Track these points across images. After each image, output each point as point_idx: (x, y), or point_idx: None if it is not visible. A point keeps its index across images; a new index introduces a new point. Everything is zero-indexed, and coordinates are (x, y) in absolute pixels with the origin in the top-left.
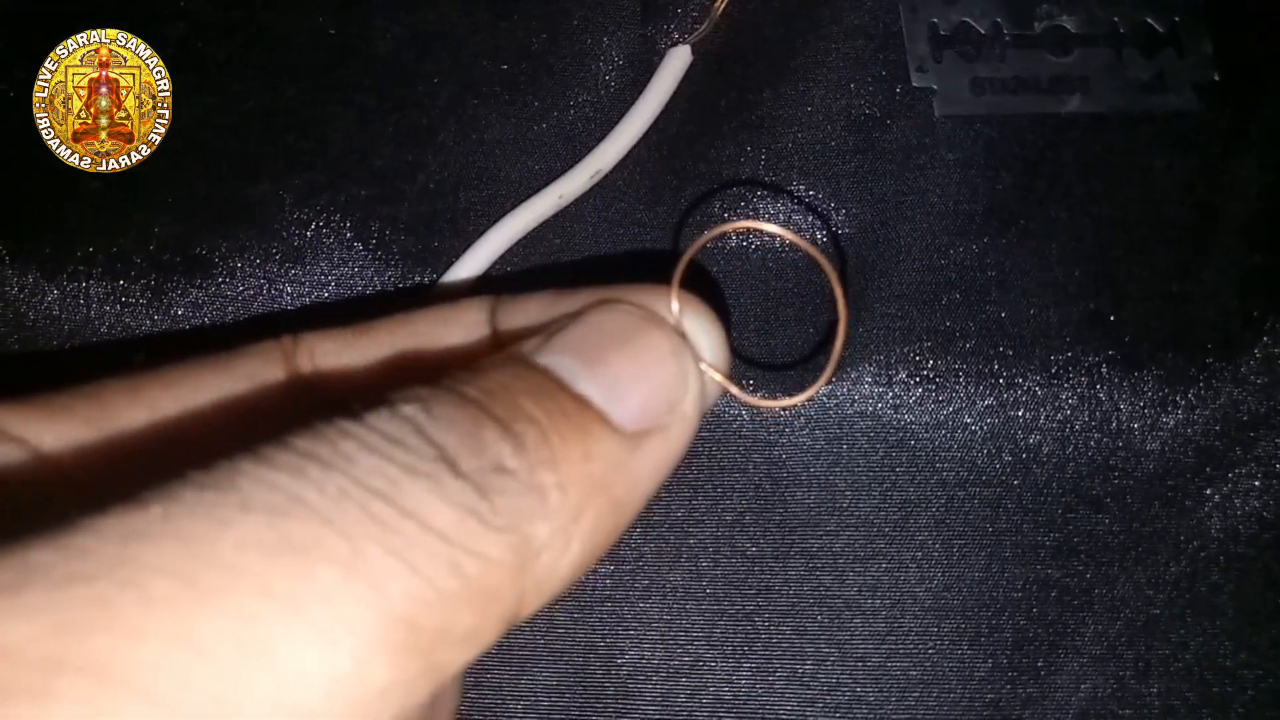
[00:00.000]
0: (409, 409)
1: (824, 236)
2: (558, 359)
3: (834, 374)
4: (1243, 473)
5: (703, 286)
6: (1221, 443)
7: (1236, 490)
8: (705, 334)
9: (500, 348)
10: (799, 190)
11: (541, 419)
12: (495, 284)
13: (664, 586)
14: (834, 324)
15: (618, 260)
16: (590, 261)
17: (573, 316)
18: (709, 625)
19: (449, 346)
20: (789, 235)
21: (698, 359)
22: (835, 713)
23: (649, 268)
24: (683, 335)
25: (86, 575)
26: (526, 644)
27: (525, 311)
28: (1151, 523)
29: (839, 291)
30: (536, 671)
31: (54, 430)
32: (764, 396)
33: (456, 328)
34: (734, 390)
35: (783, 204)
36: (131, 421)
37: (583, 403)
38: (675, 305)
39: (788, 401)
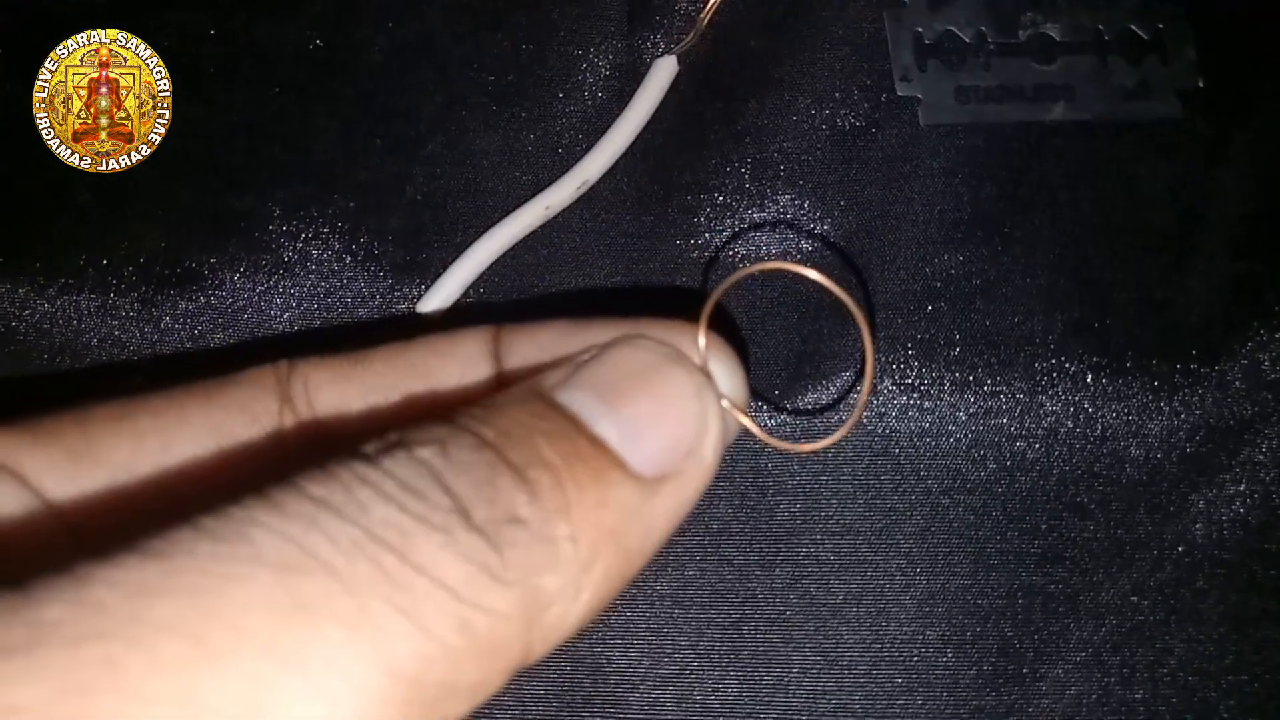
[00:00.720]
0: (425, 452)
1: (809, 245)
2: (577, 395)
3: (858, 423)
4: (1227, 478)
5: (720, 323)
6: (1206, 449)
7: (1221, 496)
8: (727, 373)
9: (503, 380)
10: (784, 200)
11: (557, 464)
12: (488, 308)
13: (650, 595)
14: (860, 370)
15: (604, 271)
16: (577, 273)
17: (595, 351)
18: (695, 633)
19: (449, 378)
20: (824, 280)
21: (720, 398)
22: None
23: (636, 279)
24: (707, 375)
25: (97, 633)
26: None
27: (536, 342)
28: (1136, 529)
29: (868, 341)
30: (522, 680)
31: (38, 456)
32: (785, 440)
33: (455, 359)
34: (757, 432)
35: (768, 214)
36: (118, 450)
37: (600, 446)
38: (702, 342)
39: (809, 446)
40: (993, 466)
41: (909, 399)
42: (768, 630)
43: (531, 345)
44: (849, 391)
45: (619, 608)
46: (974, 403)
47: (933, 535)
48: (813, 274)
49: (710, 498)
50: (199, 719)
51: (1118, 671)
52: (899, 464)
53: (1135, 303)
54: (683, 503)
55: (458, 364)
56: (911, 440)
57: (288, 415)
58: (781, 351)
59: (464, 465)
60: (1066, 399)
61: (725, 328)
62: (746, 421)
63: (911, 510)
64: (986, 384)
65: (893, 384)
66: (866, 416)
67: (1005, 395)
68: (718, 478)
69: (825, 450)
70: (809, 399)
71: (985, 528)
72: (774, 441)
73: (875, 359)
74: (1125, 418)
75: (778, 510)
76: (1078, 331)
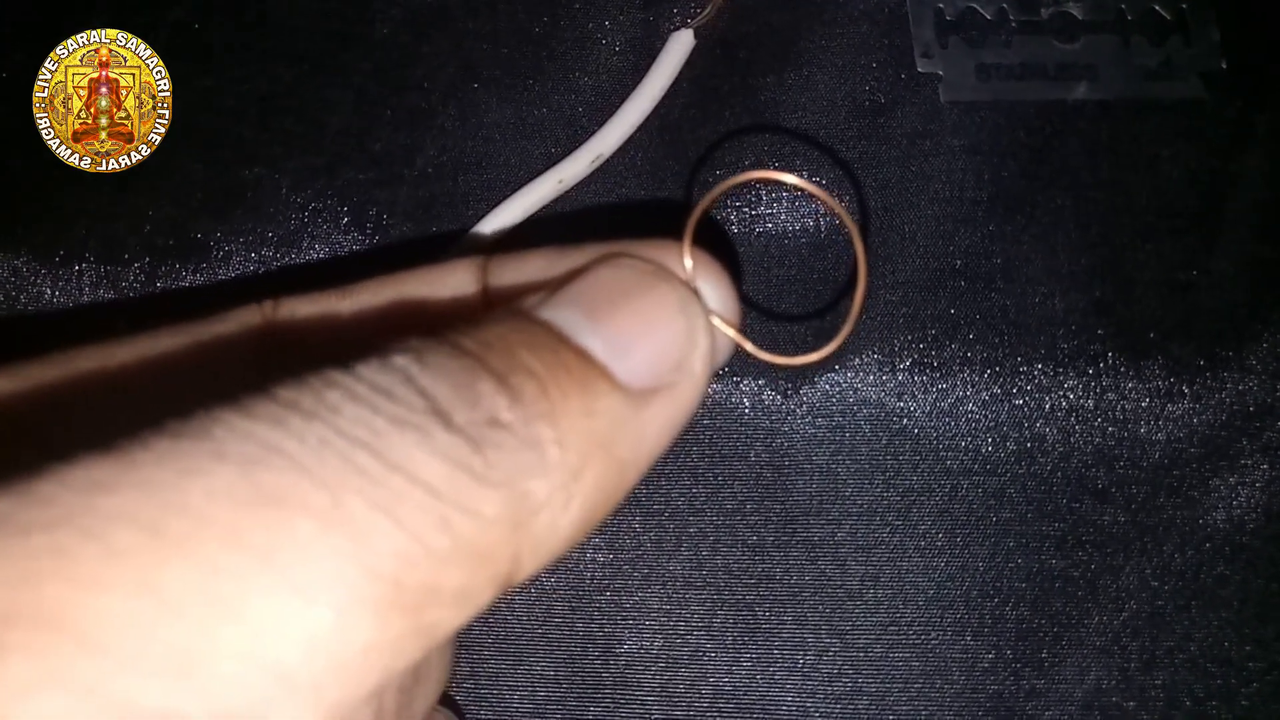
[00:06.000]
0: (401, 359)
1: (827, 222)
2: (560, 312)
3: (853, 331)
4: (1249, 464)
5: (713, 243)
6: (1228, 433)
7: (1243, 481)
8: (716, 289)
9: (493, 306)
10: (802, 177)
11: (541, 372)
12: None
13: (663, 575)
14: (853, 278)
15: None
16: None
17: (578, 271)
18: (709, 615)
19: (436, 306)
20: (808, 186)
21: (708, 314)
22: (836, 704)
23: None
24: (694, 290)
25: (46, 523)
26: (524, 633)
27: (523, 268)
28: (1157, 513)
29: (859, 248)
30: (533, 661)
31: (14, 387)
32: (778, 354)
33: (443, 288)
34: (747, 345)
35: (785, 191)
36: (101, 381)
37: (585, 357)
38: (688, 259)
39: (802, 360)
40: (1012, 447)
41: (928, 378)
42: (783, 612)
43: (520, 272)
44: (839, 300)
45: (631, 589)
46: (994, 383)
47: (951, 517)
48: (793, 179)
49: (725, 477)
50: (158, 610)
51: (1137, 657)
52: (918, 444)
53: (1157, 284)
54: (674, 416)
55: (446, 292)
56: (931, 420)
57: (274, 348)
58: (799, 330)
59: (441, 370)
60: (1087, 380)
61: (720, 252)
62: (735, 335)
63: (930, 491)
64: (1007, 364)
65: (912, 362)
66: (884, 396)
67: (1025, 376)
68: (731, 456)
69: (818, 364)
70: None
71: (1004, 510)
72: (765, 355)
73: (868, 268)
74: (1146, 400)
75: (794, 490)
76: (1099, 312)
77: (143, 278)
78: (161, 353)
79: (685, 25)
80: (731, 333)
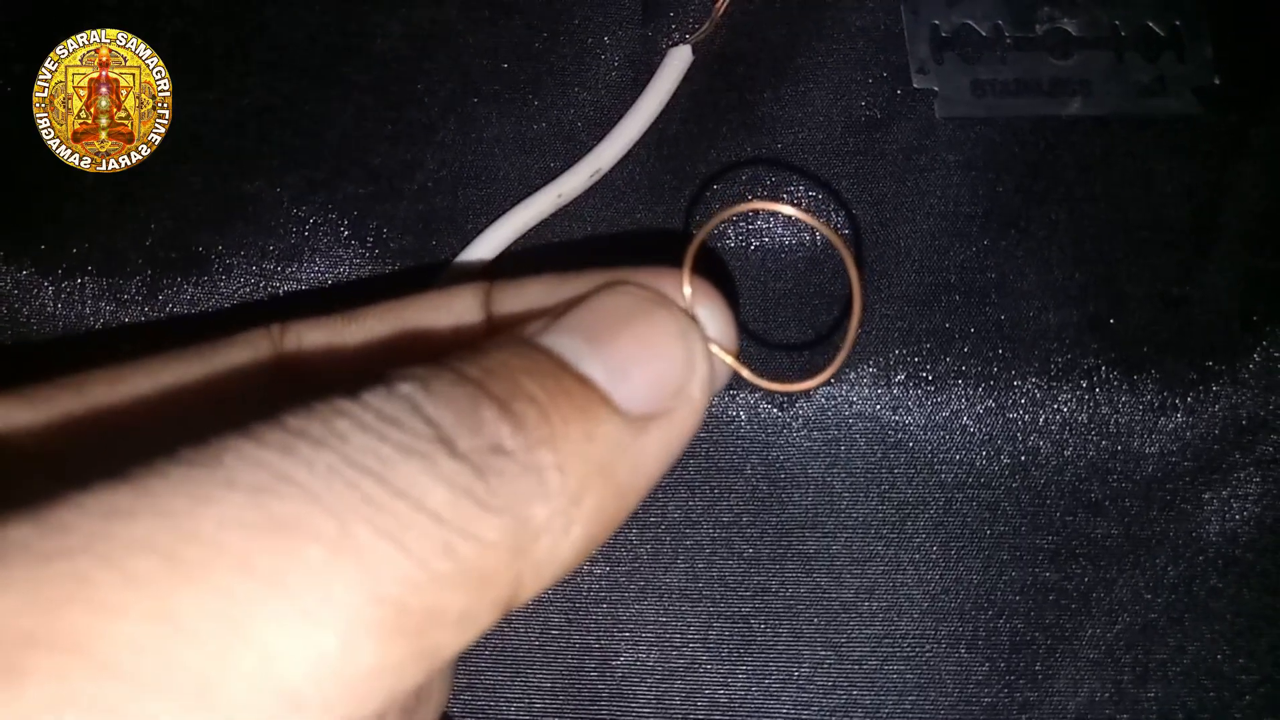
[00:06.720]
0: (406, 387)
1: (823, 237)
2: (562, 339)
3: (849, 356)
4: (1241, 477)
5: (710, 270)
6: (1220, 446)
7: (1235, 494)
8: (714, 317)
9: (497, 332)
10: (799, 191)
11: (542, 398)
12: (488, 274)
13: (659, 588)
14: (848, 303)
15: (616, 260)
16: (588, 261)
17: (579, 299)
18: (705, 627)
19: (441, 332)
20: (803, 215)
21: (707, 341)
22: (831, 716)
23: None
24: (692, 317)
25: (66, 550)
26: (520, 645)
27: (525, 295)
28: (1150, 526)
29: (853, 272)
30: (530, 673)
31: (30, 415)
32: (775, 380)
33: (448, 313)
34: (745, 373)
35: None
36: (113, 407)
37: (586, 383)
38: (687, 287)
39: (800, 385)
40: (1006, 461)
41: (923, 391)
42: (778, 625)
43: (522, 299)
44: (834, 330)
45: (627, 601)
46: (988, 397)
47: (946, 530)
48: (790, 209)
49: (721, 490)
50: (173, 635)
51: (1130, 670)
52: (913, 458)
53: (1150, 299)
54: (673, 442)
55: (451, 318)
56: (925, 434)
57: (283, 372)
58: (795, 348)
59: (445, 397)
60: (1081, 395)
61: (717, 274)
62: (734, 363)
63: (924, 504)
64: (1001, 378)
65: (906, 377)
66: (879, 409)
67: (1019, 389)
68: (727, 470)
69: (816, 390)
70: (798, 341)
71: (999, 523)
72: (763, 382)
73: (863, 294)
74: (1139, 414)
75: (789, 503)
76: (1093, 327)
77: (144, 290)
78: (171, 378)
79: (683, 41)
80: (730, 360)
